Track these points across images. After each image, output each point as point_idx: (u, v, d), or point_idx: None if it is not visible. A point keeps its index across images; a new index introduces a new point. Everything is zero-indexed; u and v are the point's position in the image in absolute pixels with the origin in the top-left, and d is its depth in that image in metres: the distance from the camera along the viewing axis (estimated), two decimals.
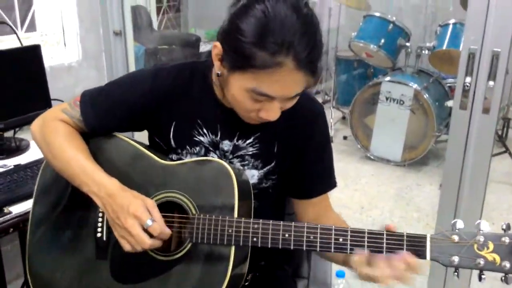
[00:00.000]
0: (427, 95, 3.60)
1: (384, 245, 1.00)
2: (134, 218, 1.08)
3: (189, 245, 1.12)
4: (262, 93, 1.03)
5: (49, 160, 1.25)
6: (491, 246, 0.94)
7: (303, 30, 0.99)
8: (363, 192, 3.48)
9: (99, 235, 1.20)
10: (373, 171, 3.79)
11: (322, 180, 1.31)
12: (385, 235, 1.01)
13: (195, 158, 1.22)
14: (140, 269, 1.16)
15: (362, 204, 3.28)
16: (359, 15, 4.08)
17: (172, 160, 1.25)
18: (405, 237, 1.00)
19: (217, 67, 1.10)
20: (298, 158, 1.26)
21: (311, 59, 1.01)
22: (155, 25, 5.52)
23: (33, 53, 1.88)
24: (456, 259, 0.96)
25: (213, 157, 1.24)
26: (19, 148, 1.90)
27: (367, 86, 3.85)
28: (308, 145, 1.26)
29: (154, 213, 1.10)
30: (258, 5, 1.00)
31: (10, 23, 2.10)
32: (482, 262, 0.94)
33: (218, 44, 1.07)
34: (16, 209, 1.48)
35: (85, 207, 1.22)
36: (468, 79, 1.68)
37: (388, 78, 3.76)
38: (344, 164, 3.87)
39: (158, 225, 1.09)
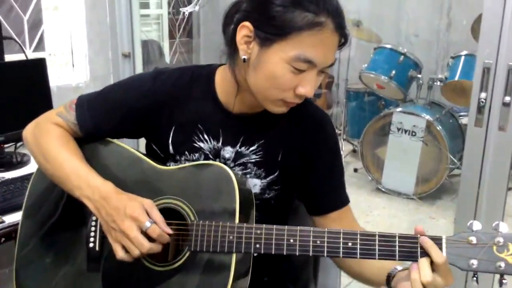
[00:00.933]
0: (440, 127, 3.52)
1: (397, 248, 0.93)
2: (132, 220, 1.01)
3: (187, 254, 1.05)
4: (306, 59, 0.99)
5: (40, 163, 1.19)
6: (511, 247, 0.88)
7: None
8: (374, 224, 3.37)
9: (91, 245, 1.12)
10: (385, 203, 3.69)
11: (334, 195, 1.22)
12: (397, 237, 0.94)
13: (194, 162, 1.15)
14: (134, 281, 1.09)
15: None
16: (370, 47, 4.07)
17: None
18: (419, 240, 0.93)
19: (243, 52, 1.04)
20: (305, 169, 1.20)
21: (343, 22, 1.02)
22: (167, 59, 5.58)
23: (38, 66, 1.87)
24: (475, 262, 0.88)
25: None
26: (20, 163, 1.87)
27: (378, 117, 3.79)
28: (317, 156, 1.19)
29: (153, 213, 1.04)
30: None
31: (16, 38, 2.09)
32: (503, 265, 0.87)
33: (246, 23, 1.02)
34: (9, 218, 1.43)
35: (76, 217, 1.16)
36: (483, 95, 1.62)
37: (399, 109, 3.71)
38: (355, 196, 3.75)
39: (158, 226, 1.02)
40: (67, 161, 1.13)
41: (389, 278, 1.02)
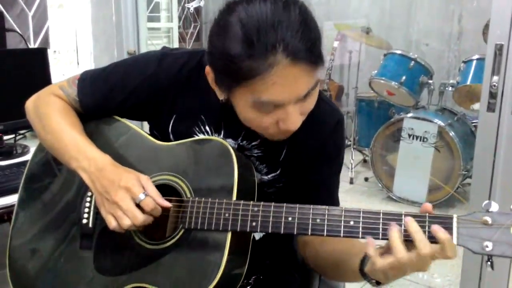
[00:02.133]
0: (452, 133, 3.45)
1: (402, 227, 0.86)
2: (126, 191, 0.98)
3: (181, 232, 1.01)
4: (266, 102, 0.91)
5: (40, 134, 1.17)
6: None
7: (286, 17, 0.87)
8: None
9: (84, 221, 1.10)
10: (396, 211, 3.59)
11: (324, 196, 1.15)
12: (403, 216, 0.87)
13: (193, 138, 1.10)
14: (126, 259, 1.05)
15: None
16: (380, 54, 4.02)
17: None
18: (427, 218, 0.86)
19: (218, 94, 1.01)
20: (304, 167, 1.13)
21: (307, 44, 0.88)
22: None
23: (39, 56, 1.85)
24: (489, 244, 0.81)
25: None
26: (20, 154, 1.84)
27: (389, 123, 3.72)
28: (318, 155, 1.13)
29: (149, 187, 1.00)
30: (229, 17, 0.90)
31: (18, 30, 2.09)
32: None
33: (208, 68, 0.98)
34: (2, 201, 1.42)
35: (72, 193, 1.14)
36: (495, 78, 1.56)
37: (410, 115, 3.64)
38: (365, 204, 3.69)
39: (151, 199, 0.97)
40: (66, 132, 1.11)
41: (363, 261, 0.94)
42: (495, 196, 1.59)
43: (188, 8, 4.76)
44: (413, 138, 3.60)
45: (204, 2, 4.99)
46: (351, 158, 4.24)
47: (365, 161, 4.47)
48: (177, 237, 1.01)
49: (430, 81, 3.74)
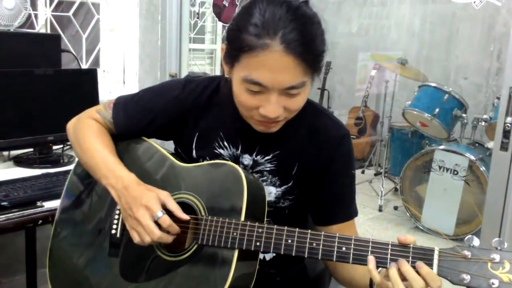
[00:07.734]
0: (483, 168, 3.45)
1: (389, 256, 0.95)
2: (145, 209, 1.10)
3: (195, 247, 1.12)
4: (253, 81, 1.03)
5: (77, 153, 1.32)
6: (507, 265, 0.87)
7: (291, 17, 1.02)
8: None
9: (113, 231, 1.22)
10: (423, 242, 3.58)
11: (340, 208, 1.25)
12: (390, 245, 0.96)
13: (210, 161, 1.22)
14: (147, 268, 1.17)
15: None
16: (416, 86, 4.08)
17: None
18: (411, 249, 0.94)
19: (226, 72, 1.13)
20: (317, 181, 1.23)
21: (303, 43, 1.01)
22: None
23: (90, 75, 2.04)
24: (467, 277, 0.88)
25: None
26: (66, 163, 2.01)
27: (420, 154, 3.76)
28: (328, 169, 1.23)
29: (169, 203, 1.12)
30: (253, 3, 1.05)
31: (72, 51, 2.29)
32: (496, 283, 0.86)
33: (223, 45, 1.12)
34: (48, 204, 1.57)
35: (104, 205, 1.27)
36: (509, 119, 1.64)
37: (442, 147, 3.67)
38: (393, 232, 3.72)
39: (167, 217, 1.09)
40: (99, 152, 1.24)
41: (371, 281, 1.01)
42: (505, 230, 1.65)
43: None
44: (443, 170, 3.62)
45: None
46: (382, 186, 4.28)
47: (396, 189, 4.49)
48: (191, 251, 1.12)
49: (464, 115, 3.76)
